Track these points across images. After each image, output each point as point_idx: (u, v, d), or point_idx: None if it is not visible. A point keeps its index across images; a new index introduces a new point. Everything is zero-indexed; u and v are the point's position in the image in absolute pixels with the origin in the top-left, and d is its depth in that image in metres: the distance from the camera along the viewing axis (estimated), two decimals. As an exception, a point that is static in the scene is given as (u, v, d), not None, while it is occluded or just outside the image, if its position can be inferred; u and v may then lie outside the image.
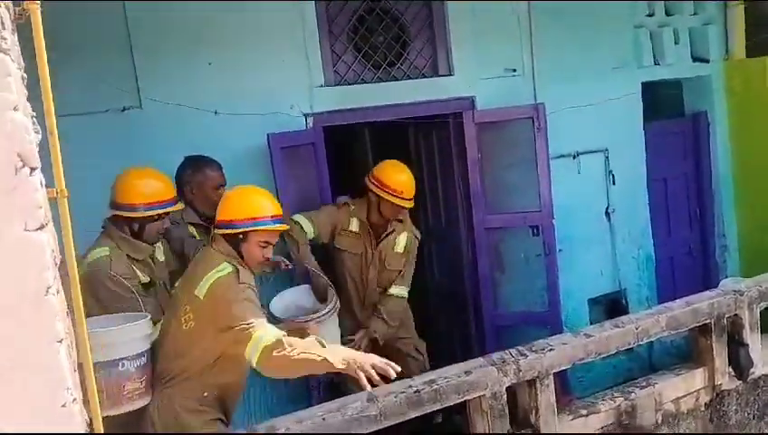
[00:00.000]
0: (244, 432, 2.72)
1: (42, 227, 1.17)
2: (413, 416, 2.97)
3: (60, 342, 1.17)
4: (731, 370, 3.82)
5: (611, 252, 5.61)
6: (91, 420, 1.53)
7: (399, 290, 4.13)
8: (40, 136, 1.81)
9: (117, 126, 3.88)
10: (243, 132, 4.10)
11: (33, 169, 1.17)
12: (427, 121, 4.96)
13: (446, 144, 4.94)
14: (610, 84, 5.41)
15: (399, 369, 2.65)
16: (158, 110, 3.95)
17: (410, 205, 4.06)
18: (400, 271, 4.13)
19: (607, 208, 5.55)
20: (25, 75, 1.73)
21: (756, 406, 3.96)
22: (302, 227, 3.87)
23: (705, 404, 3.78)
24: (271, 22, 4.23)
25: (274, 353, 2.63)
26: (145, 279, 3.22)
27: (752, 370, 3.87)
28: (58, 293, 1.26)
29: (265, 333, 2.70)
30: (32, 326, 1.11)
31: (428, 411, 3.04)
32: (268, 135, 4.02)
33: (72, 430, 1.17)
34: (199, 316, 2.81)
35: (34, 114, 1.83)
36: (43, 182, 1.31)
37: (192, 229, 3.66)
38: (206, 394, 2.95)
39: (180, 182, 3.60)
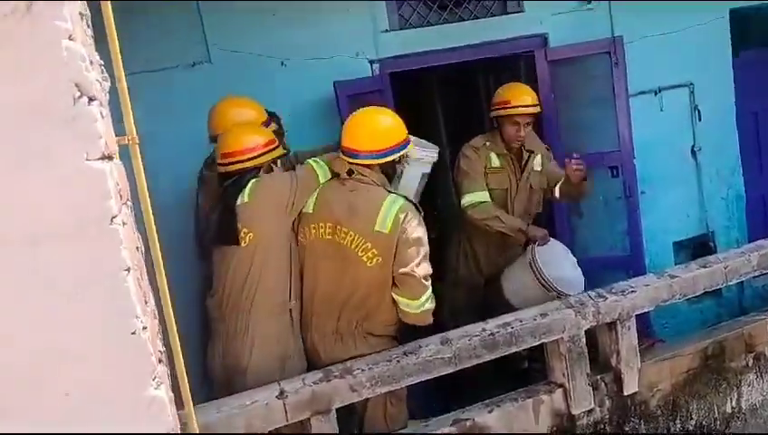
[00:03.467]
0: (321, 372, 2.75)
1: (103, 158, 1.18)
2: (488, 359, 2.94)
3: (127, 270, 1.19)
4: (831, 310, 3.59)
5: (698, 192, 5.32)
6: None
7: None
8: (109, 83, 1.84)
9: (188, 81, 3.93)
10: (309, 82, 4.09)
11: (91, 99, 1.17)
12: (498, 62, 4.79)
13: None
14: (694, 13, 5.03)
15: None
16: (226, 63, 3.97)
17: (529, 111, 3.82)
18: (547, 186, 4.00)
19: (693, 146, 5.24)
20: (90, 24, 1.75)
21: None
22: (486, 203, 3.78)
23: (802, 347, 3.57)
24: (333, -32, 4.16)
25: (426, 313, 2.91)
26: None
27: None
28: (125, 225, 1.28)
29: (431, 293, 2.91)
30: (96, 254, 1.13)
31: (510, 355, 3.01)
32: (334, 83, 3.99)
33: (142, 358, 1.19)
34: (384, 251, 2.85)
35: (102, 62, 1.86)
36: (105, 114, 1.31)
37: None
38: (398, 325, 3.04)
39: None
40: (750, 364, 3.46)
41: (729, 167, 5.42)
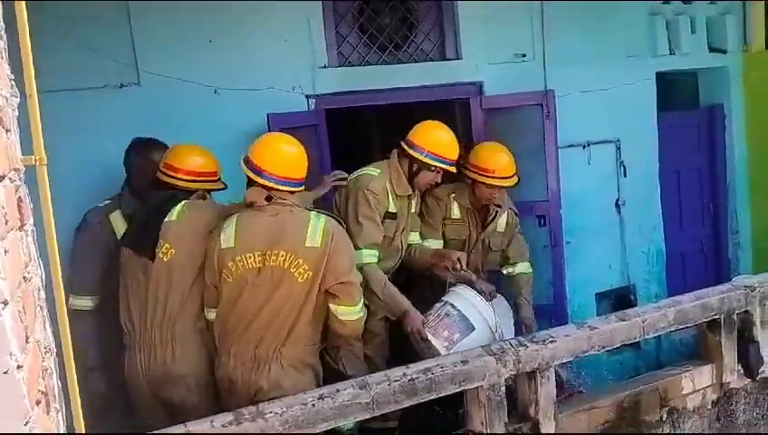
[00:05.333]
0: (231, 414, 2.62)
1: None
2: (407, 404, 2.87)
3: (3, 304, 1.08)
4: (740, 368, 3.68)
5: (621, 245, 5.48)
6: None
7: (525, 266, 4.12)
8: (18, 99, 1.72)
9: (115, 102, 3.80)
10: (243, 112, 4.02)
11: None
12: (434, 106, 4.83)
13: (453, 130, 4.80)
14: (623, 73, 5.27)
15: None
16: (156, 87, 3.86)
17: (507, 183, 3.90)
18: (503, 250, 4.09)
19: (617, 200, 5.42)
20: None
21: (765, 406, 3.82)
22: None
23: (713, 402, 3.64)
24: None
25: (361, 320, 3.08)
26: (392, 209, 3.55)
27: (762, 368, 3.72)
28: (7, 253, 1.17)
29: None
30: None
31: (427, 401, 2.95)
32: (268, 115, 3.93)
33: (12, 400, 1.08)
34: (315, 265, 2.90)
35: (12, 77, 1.74)
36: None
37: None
38: (315, 344, 3.07)
39: (125, 165, 3.45)
40: (664, 418, 3.50)
41: (651, 222, 5.60)
